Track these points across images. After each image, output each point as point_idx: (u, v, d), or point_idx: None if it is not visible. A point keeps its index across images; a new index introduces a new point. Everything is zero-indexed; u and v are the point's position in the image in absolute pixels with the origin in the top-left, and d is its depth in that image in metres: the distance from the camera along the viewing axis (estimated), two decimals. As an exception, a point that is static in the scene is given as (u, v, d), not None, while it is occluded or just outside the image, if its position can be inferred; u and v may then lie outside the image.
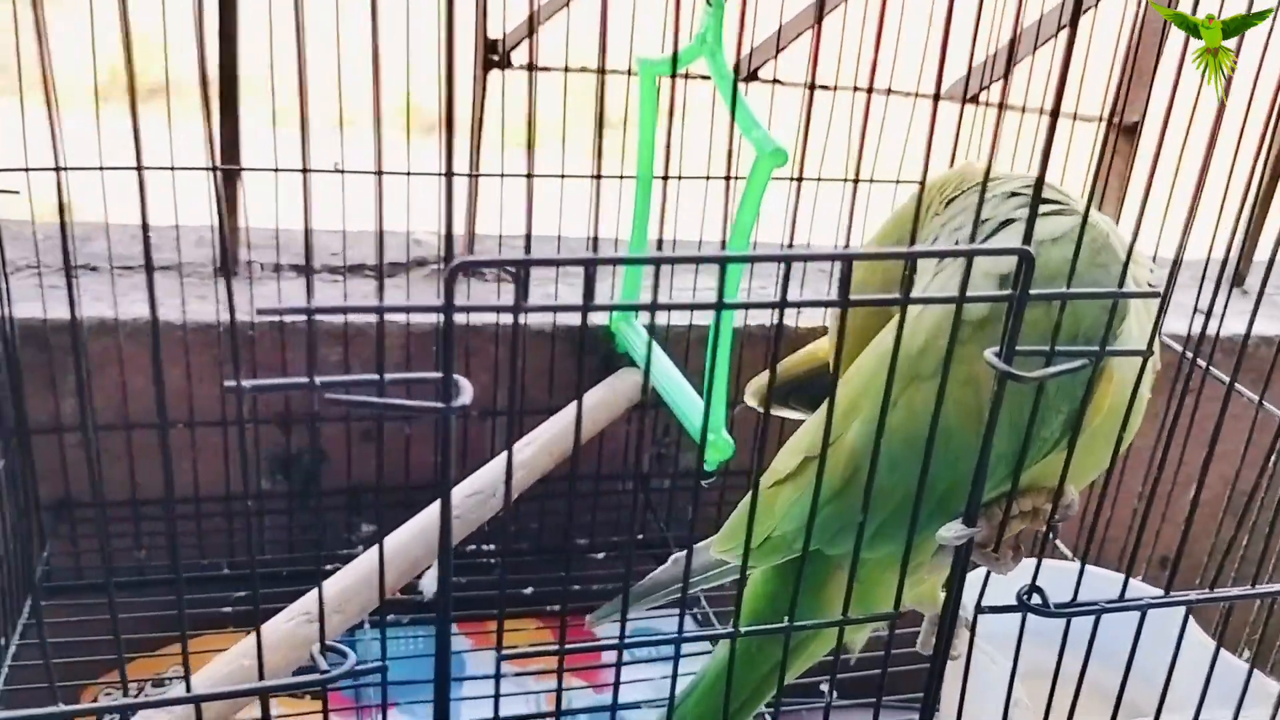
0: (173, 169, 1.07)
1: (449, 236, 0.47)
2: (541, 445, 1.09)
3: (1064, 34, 1.25)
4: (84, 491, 1.19)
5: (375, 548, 0.92)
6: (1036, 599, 0.62)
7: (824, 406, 0.79)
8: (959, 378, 0.66)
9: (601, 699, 1.16)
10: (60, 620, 1.10)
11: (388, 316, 1.22)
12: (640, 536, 1.28)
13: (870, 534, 0.70)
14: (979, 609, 0.63)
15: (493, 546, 1.26)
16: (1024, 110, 1.29)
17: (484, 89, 1.25)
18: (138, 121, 0.46)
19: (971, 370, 0.66)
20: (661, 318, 1.29)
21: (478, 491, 1.01)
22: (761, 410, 0.65)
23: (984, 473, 0.56)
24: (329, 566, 0.92)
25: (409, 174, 1.13)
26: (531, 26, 1.22)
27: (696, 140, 1.22)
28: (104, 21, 1.05)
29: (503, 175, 1.18)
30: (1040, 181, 0.51)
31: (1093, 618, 0.64)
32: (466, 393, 0.50)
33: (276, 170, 1.11)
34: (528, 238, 1.16)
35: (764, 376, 0.82)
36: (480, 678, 1.11)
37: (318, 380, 0.49)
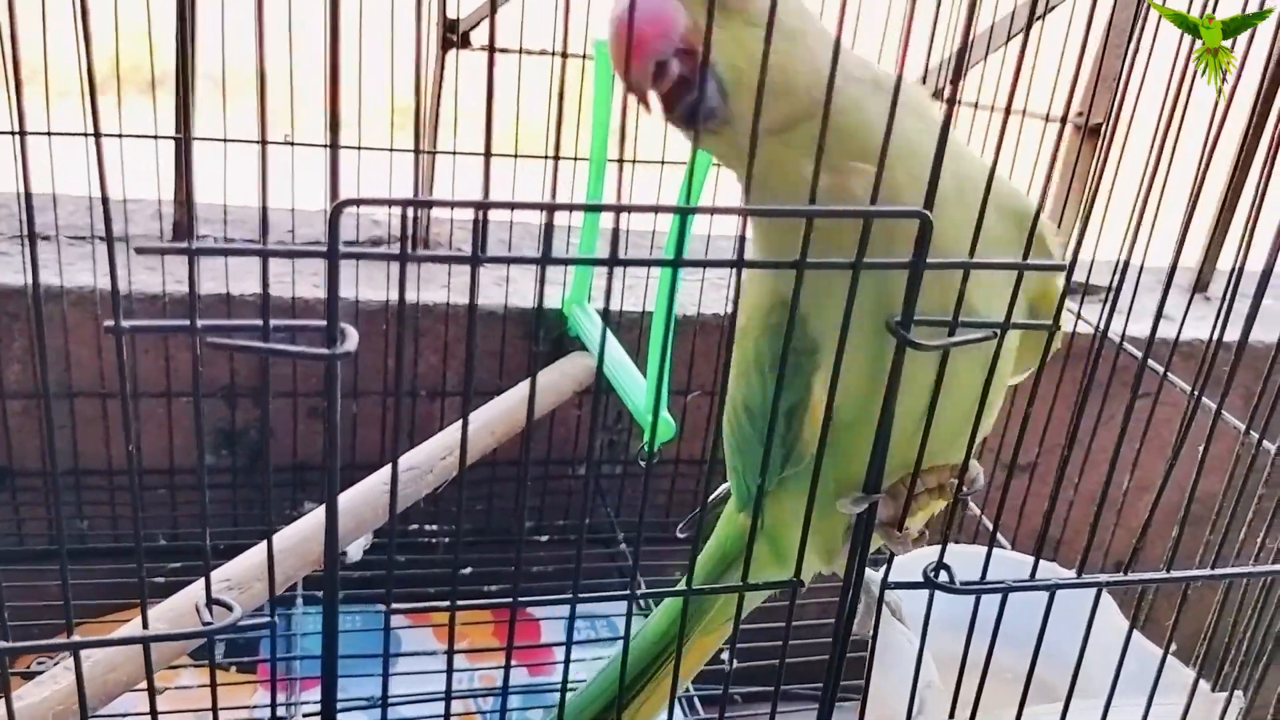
0: (120, 136, 1.07)
1: (334, 178, 0.46)
2: (484, 423, 1.08)
3: (1022, 34, 1.26)
4: (26, 459, 1.19)
5: (299, 521, 0.92)
6: (944, 576, 0.61)
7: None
8: (741, 366, 0.66)
9: (536, 680, 1.16)
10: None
11: (312, 293, 1.22)
12: (587, 521, 1.27)
13: None
14: (885, 585, 0.62)
15: (435, 526, 1.25)
16: (977, 106, 1.29)
17: (442, 69, 1.25)
18: (91, 83, 0.45)
19: (750, 359, 0.65)
20: (614, 304, 1.29)
21: (414, 467, 1.00)
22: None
23: (885, 443, 0.56)
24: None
25: (359, 148, 1.13)
26: (494, 6, 1.22)
27: (653, 125, 1.21)
28: (98, 16, 1.06)
29: (455, 153, 1.18)
30: (943, 141, 0.50)
31: (1002, 598, 0.63)
32: (352, 340, 0.50)
33: (225, 140, 1.11)
34: (484, 216, 1.15)
35: None
36: (414, 654, 1.11)
37: (200, 324, 0.49)
